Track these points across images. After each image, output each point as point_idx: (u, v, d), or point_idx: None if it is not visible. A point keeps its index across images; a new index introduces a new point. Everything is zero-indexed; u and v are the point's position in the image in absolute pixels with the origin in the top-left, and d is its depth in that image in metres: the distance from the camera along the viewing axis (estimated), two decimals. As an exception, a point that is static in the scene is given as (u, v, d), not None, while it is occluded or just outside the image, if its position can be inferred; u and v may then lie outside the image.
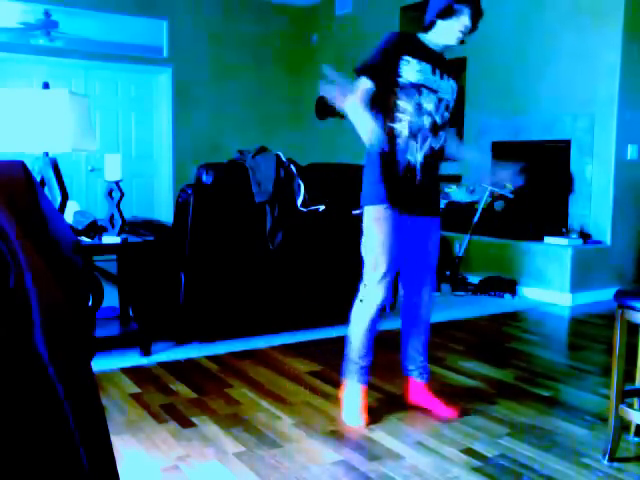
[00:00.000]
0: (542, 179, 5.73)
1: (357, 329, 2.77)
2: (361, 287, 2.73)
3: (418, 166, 2.62)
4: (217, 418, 2.74)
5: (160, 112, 7.74)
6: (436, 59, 2.64)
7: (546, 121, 5.62)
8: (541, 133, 5.68)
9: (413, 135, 2.59)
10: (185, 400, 2.94)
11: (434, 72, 2.61)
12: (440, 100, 2.63)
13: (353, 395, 2.78)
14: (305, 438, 2.56)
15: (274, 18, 8.22)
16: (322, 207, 3.93)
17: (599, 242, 5.30)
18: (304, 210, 3.92)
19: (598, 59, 5.24)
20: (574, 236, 5.24)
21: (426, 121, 2.60)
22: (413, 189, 2.64)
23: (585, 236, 5.30)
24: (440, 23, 2.60)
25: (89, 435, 0.71)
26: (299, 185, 3.90)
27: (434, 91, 2.60)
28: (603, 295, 5.11)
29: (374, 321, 2.74)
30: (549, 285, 5.20)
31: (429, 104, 2.60)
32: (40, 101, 3.35)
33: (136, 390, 3.06)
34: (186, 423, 2.68)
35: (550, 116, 5.59)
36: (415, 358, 2.91)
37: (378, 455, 2.43)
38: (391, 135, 2.58)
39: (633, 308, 2.26)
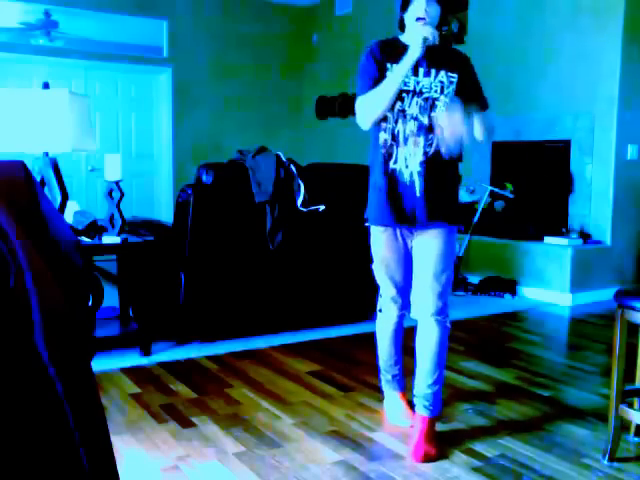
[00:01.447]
0: (542, 179, 5.73)
1: (381, 340, 2.77)
2: (379, 297, 2.71)
3: (416, 175, 2.44)
4: (217, 418, 2.73)
5: (160, 112, 7.74)
6: (423, 58, 2.44)
7: (546, 121, 5.62)
8: (541, 133, 5.68)
9: (398, 142, 2.47)
10: (185, 400, 2.94)
11: (416, 72, 2.45)
12: (427, 100, 2.45)
13: (393, 402, 2.81)
14: (305, 438, 2.56)
15: (274, 18, 8.22)
16: (322, 207, 3.93)
17: (599, 242, 5.30)
18: (304, 210, 3.92)
19: (598, 59, 5.24)
20: (574, 236, 5.24)
21: (413, 126, 2.45)
22: (412, 200, 2.45)
23: (585, 236, 5.30)
24: (405, 18, 2.49)
25: (89, 435, 0.71)
26: (299, 185, 3.90)
27: (418, 93, 2.45)
28: (603, 295, 5.11)
29: (396, 332, 2.73)
30: (549, 285, 5.20)
31: (413, 108, 2.45)
32: (40, 101, 3.35)
33: (136, 390, 3.06)
34: (186, 423, 2.68)
35: (550, 116, 5.59)
36: (419, 385, 2.55)
37: (378, 455, 2.43)
38: (380, 145, 2.50)
39: (633, 308, 2.25)
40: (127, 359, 3.49)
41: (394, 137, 2.48)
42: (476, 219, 5.63)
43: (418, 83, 2.45)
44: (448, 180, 2.52)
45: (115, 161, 3.47)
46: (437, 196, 2.46)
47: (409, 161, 2.46)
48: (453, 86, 2.48)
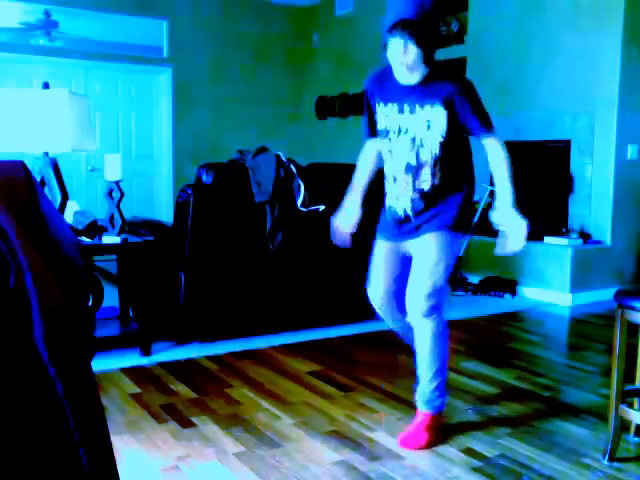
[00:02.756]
0: (542, 179, 5.73)
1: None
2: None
3: (409, 210, 2.51)
4: (217, 418, 2.74)
5: (160, 112, 7.74)
6: (406, 93, 2.44)
7: (546, 121, 5.62)
8: (541, 133, 5.68)
9: (394, 179, 2.54)
10: (185, 400, 2.94)
11: (402, 110, 2.45)
12: (413, 139, 2.45)
13: None
14: (305, 438, 2.56)
15: (274, 18, 8.22)
16: (322, 207, 3.93)
17: (599, 242, 5.30)
18: (304, 210, 3.92)
19: (598, 59, 5.24)
20: (574, 236, 5.24)
21: (401, 165, 2.50)
22: (407, 226, 2.55)
23: (585, 236, 5.30)
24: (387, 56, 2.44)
25: (89, 435, 0.71)
26: (299, 185, 3.90)
27: (404, 132, 2.46)
28: (603, 295, 5.11)
29: (397, 333, 2.80)
30: (549, 285, 5.20)
31: (401, 146, 2.48)
32: (40, 101, 3.35)
33: (136, 390, 3.06)
34: (186, 423, 2.68)
35: (550, 116, 5.59)
36: (420, 383, 2.59)
37: (378, 455, 2.43)
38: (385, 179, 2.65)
39: (633, 308, 2.25)
40: (127, 359, 3.49)
41: (388, 175, 2.59)
42: (476, 219, 5.63)
43: (404, 121, 2.46)
44: (446, 199, 2.52)
45: (115, 161, 3.47)
46: (430, 215, 2.51)
47: (400, 199, 2.54)
48: (446, 121, 2.41)
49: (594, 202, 5.37)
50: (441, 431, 2.59)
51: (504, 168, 2.53)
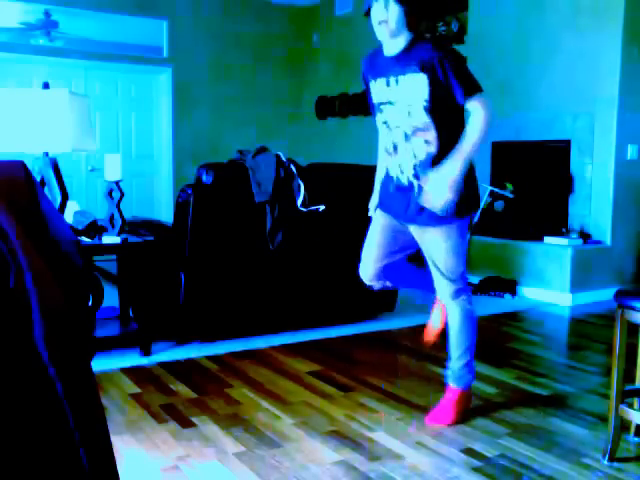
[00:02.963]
0: (542, 179, 5.73)
1: None
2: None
3: (412, 180, 2.56)
4: (217, 418, 2.74)
5: (160, 112, 7.74)
6: (391, 65, 2.51)
7: (546, 121, 5.62)
8: (541, 133, 5.68)
9: (390, 152, 2.61)
10: (185, 400, 2.94)
11: (388, 83, 2.52)
12: (403, 108, 2.50)
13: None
14: (305, 438, 2.56)
15: (274, 18, 8.22)
16: (322, 207, 3.93)
17: (599, 242, 5.30)
18: (304, 210, 3.92)
19: (598, 59, 5.24)
20: (574, 236, 5.24)
21: (399, 135, 2.55)
22: (408, 200, 2.60)
23: (585, 236, 5.30)
24: (371, 21, 2.50)
25: (89, 435, 0.71)
26: (299, 185, 3.90)
27: (393, 103, 2.53)
28: (603, 295, 5.11)
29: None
30: (549, 285, 5.20)
31: (394, 117, 2.54)
32: (40, 101, 3.35)
33: (136, 390, 3.06)
34: (186, 423, 2.68)
35: (550, 116, 5.59)
36: (450, 360, 2.78)
37: (378, 455, 2.43)
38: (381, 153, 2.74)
39: (633, 308, 2.25)
40: (127, 359, 3.49)
41: (387, 147, 2.64)
42: (476, 219, 5.63)
43: (391, 93, 2.53)
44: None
45: (115, 161, 3.47)
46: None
47: (403, 167, 2.59)
48: (428, 87, 2.43)
49: (594, 202, 5.37)
50: (467, 411, 2.77)
51: (470, 138, 2.42)
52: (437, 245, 2.59)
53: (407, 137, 2.53)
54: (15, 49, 6.73)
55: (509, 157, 5.99)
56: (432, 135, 2.48)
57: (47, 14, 6.82)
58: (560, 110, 5.51)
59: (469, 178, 2.56)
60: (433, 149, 2.49)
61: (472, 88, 2.43)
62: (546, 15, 5.60)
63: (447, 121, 2.50)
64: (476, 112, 2.43)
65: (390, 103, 2.54)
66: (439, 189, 2.39)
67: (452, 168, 2.39)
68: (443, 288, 2.66)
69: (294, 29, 8.40)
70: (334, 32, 8.02)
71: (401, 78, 2.48)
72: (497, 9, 6.02)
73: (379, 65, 2.57)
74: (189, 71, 7.67)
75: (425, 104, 2.44)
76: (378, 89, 2.58)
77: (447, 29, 6.85)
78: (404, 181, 2.59)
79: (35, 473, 0.67)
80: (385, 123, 2.59)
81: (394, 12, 2.41)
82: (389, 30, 2.43)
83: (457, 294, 2.66)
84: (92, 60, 7.11)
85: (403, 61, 2.47)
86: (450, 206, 2.44)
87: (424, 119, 2.46)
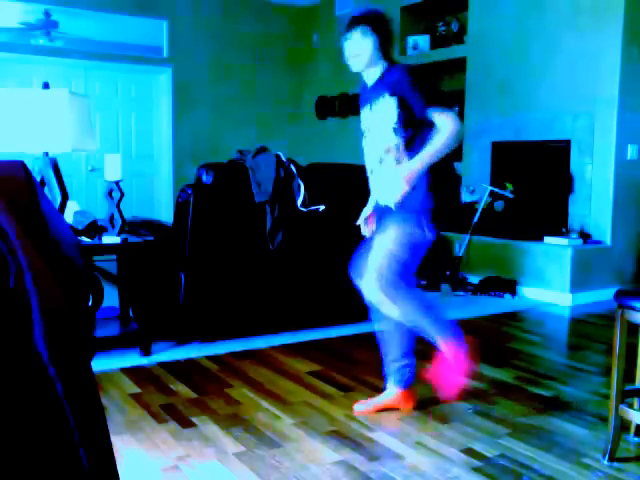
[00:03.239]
0: (542, 179, 5.73)
1: None
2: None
3: (385, 202, 2.71)
4: (217, 418, 2.74)
5: (160, 112, 7.74)
6: (370, 93, 2.69)
7: (546, 121, 5.62)
8: (541, 133, 5.68)
9: (371, 172, 2.78)
10: (185, 400, 2.94)
11: (371, 109, 2.68)
12: (377, 133, 2.67)
13: None
14: (305, 438, 2.56)
15: (274, 18, 8.22)
16: (322, 207, 3.93)
17: (599, 242, 5.30)
18: (304, 210, 3.92)
19: (598, 59, 5.24)
20: (574, 236, 5.24)
21: (375, 158, 2.72)
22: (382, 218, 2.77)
23: (585, 236, 5.30)
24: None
25: (89, 435, 0.71)
26: (299, 185, 3.90)
27: (372, 129, 2.70)
28: (603, 295, 5.11)
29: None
30: (549, 285, 5.20)
31: (371, 141, 2.72)
32: (40, 101, 3.35)
33: (136, 390, 3.06)
34: (186, 423, 2.68)
35: (550, 116, 5.59)
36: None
37: (378, 455, 2.43)
38: None
39: (633, 308, 2.25)
40: (127, 359, 3.49)
41: (368, 169, 2.81)
42: (476, 219, 5.63)
43: (369, 121, 2.71)
44: (415, 188, 2.57)
45: (115, 161, 3.47)
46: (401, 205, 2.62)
47: (379, 190, 2.74)
48: (396, 111, 2.57)
49: (594, 202, 5.37)
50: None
51: (432, 146, 2.52)
52: (384, 240, 2.65)
53: (381, 160, 2.69)
54: (15, 49, 6.73)
55: (509, 157, 5.99)
56: (400, 157, 2.61)
57: (47, 14, 6.82)
58: (560, 110, 5.51)
59: (433, 186, 2.62)
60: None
61: (433, 99, 2.54)
62: (546, 15, 5.60)
63: (415, 143, 2.60)
64: (442, 125, 2.53)
65: (369, 129, 2.73)
66: (395, 184, 2.53)
67: (407, 168, 2.51)
68: (367, 276, 2.67)
69: (294, 29, 8.40)
70: (334, 32, 8.02)
71: (374, 104, 2.65)
72: (497, 9, 6.02)
73: (364, 94, 2.76)
74: (189, 71, 7.67)
75: (394, 126, 2.58)
76: (363, 117, 2.77)
77: (447, 29, 6.85)
78: (381, 202, 2.75)
79: (35, 473, 0.67)
80: (366, 147, 2.78)
81: (367, 45, 2.60)
82: (364, 62, 2.63)
83: (381, 289, 2.63)
84: (92, 60, 7.12)
85: (378, 88, 2.64)
86: (403, 199, 2.56)
87: (394, 141, 2.61)
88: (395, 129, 2.58)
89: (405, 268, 2.64)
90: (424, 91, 2.55)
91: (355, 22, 2.62)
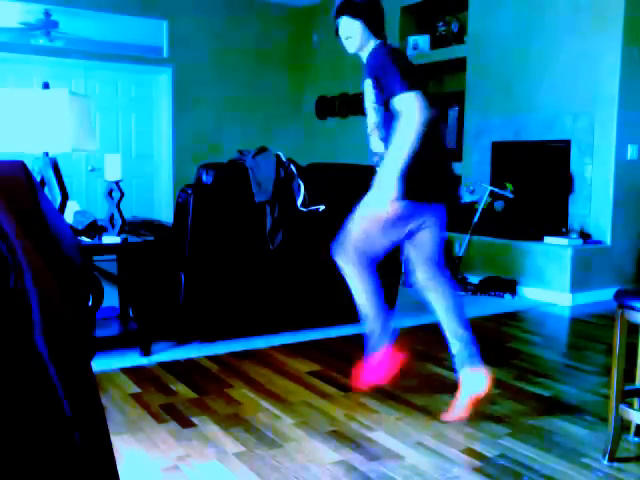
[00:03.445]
0: (542, 179, 5.73)
1: None
2: None
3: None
4: (217, 418, 2.74)
5: (160, 112, 7.74)
6: (364, 74, 2.75)
7: (546, 121, 5.62)
8: (541, 133, 5.68)
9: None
10: (185, 400, 2.94)
11: (364, 89, 2.77)
12: (366, 111, 2.78)
13: None
14: (305, 438, 2.56)
15: (274, 18, 8.22)
16: (322, 207, 3.93)
17: (599, 242, 5.30)
18: (304, 210, 3.92)
19: (598, 59, 5.24)
20: (574, 236, 5.24)
21: (369, 131, 2.81)
22: None
23: (585, 236, 5.30)
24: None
25: (89, 435, 0.71)
26: (299, 185, 3.90)
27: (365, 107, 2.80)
28: (603, 295, 5.11)
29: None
30: (549, 285, 5.20)
31: (369, 118, 2.78)
32: (40, 101, 3.35)
33: (136, 390, 3.06)
34: (186, 423, 2.68)
35: (550, 116, 5.59)
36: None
37: (378, 455, 2.43)
38: None
39: (633, 308, 2.26)
40: (127, 359, 3.49)
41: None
42: (476, 219, 5.63)
43: (365, 95, 2.78)
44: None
45: (115, 161, 3.47)
46: None
47: (378, 165, 2.79)
48: (373, 91, 2.67)
49: (594, 202, 5.37)
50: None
51: (398, 135, 2.50)
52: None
53: (369, 135, 2.80)
54: (15, 49, 6.73)
55: (509, 157, 5.99)
56: (383, 134, 2.70)
57: (47, 14, 6.82)
58: (560, 110, 5.51)
59: (414, 162, 2.52)
60: (387, 147, 2.65)
61: (403, 84, 2.48)
62: (546, 15, 5.60)
63: (392, 121, 2.59)
64: (405, 109, 2.48)
65: (366, 109, 2.82)
66: (378, 192, 2.61)
67: (381, 176, 2.57)
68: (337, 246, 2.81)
69: (294, 29, 8.40)
70: (334, 32, 8.01)
71: (364, 84, 2.74)
72: (497, 9, 6.02)
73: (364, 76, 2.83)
74: (189, 71, 7.67)
75: (374, 105, 2.68)
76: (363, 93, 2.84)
77: (447, 29, 6.85)
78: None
79: (35, 473, 0.67)
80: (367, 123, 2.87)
81: (356, 27, 2.69)
82: (356, 44, 2.72)
83: (339, 256, 2.81)
84: (92, 60, 7.12)
85: (366, 69, 2.74)
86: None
87: (375, 119, 2.72)
88: (375, 108, 2.69)
89: (371, 241, 2.73)
90: (393, 75, 2.52)
91: (340, 8, 2.72)
